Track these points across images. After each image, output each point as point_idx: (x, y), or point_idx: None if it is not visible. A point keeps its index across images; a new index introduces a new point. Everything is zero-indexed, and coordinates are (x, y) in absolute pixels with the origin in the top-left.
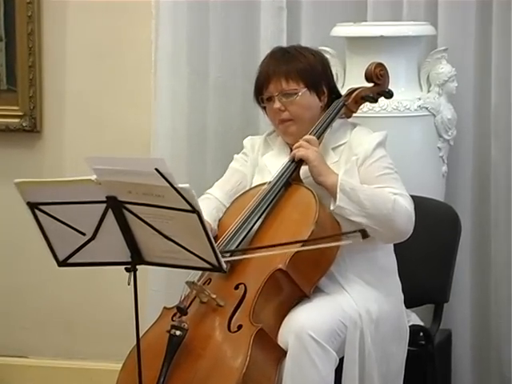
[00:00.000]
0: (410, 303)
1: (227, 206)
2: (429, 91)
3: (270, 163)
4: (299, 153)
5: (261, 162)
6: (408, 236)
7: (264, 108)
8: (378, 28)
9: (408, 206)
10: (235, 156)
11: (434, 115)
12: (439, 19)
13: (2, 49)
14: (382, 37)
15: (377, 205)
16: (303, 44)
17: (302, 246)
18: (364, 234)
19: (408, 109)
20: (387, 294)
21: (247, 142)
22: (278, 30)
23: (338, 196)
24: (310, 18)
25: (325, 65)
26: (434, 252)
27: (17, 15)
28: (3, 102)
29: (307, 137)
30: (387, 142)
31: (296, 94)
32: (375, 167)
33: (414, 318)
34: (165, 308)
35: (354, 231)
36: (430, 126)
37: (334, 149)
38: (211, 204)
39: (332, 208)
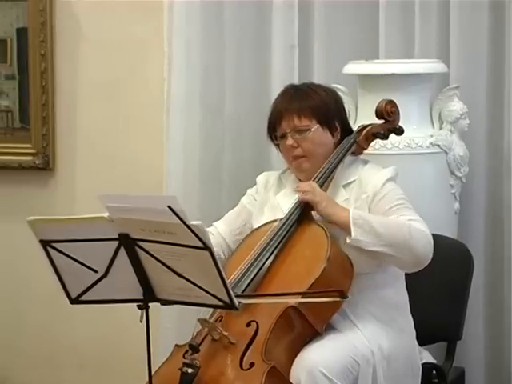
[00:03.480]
0: (422, 340)
1: (230, 244)
2: (441, 128)
3: (283, 202)
4: (306, 197)
5: (273, 200)
6: (429, 260)
7: (277, 145)
8: (390, 66)
9: (424, 228)
10: (248, 191)
11: (446, 152)
12: (451, 57)
13: (16, 87)
14: (393, 74)
15: (392, 231)
16: (315, 81)
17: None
18: (342, 295)
19: (420, 146)
20: (399, 330)
21: (261, 178)
22: (289, 68)
23: (352, 229)
24: (322, 56)
25: (337, 101)
26: (447, 289)
27: (30, 53)
28: (16, 140)
29: (308, 182)
30: (399, 178)
31: (309, 130)
32: (386, 200)
33: (426, 356)
34: (176, 345)
35: (333, 291)
36: (442, 164)
37: (344, 186)
38: (213, 241)
39: (348, 241)
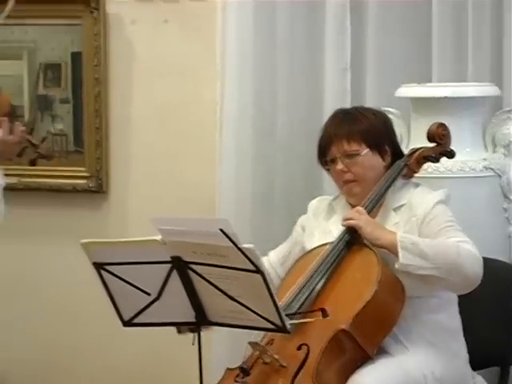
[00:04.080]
0: (475, 365)
1: (278, 271)
2: (494, 152)
3: (334, 228)
4: (350, 222)
5: (325, 226)
6: (479, 280)
7: (328, 170)
8: (443, 89)
9: (473, 249)
10: (298, 221)
11: (500, 176)
12: (504, 80)
13: (70, 111)
14: (446, 98)
15: (441, 254)
16: (367, 105)
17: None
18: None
19: (473, 169)
20: (452, 355)
21: (311, 204)
22: (342, 91)
23: (400, 254)
24: (375, 79)
25: (387, 124)
26: (500, 313)
27: (84, 78)
28: (70, 164)
29: (355, 208)
30: (452, 202)
31: (358, 154)
32: (435, 223)
33: (479, 381)
34: (228, 369)
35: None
36: (496, 187)
37: (395, 209)
38: None
39: (397, 266)
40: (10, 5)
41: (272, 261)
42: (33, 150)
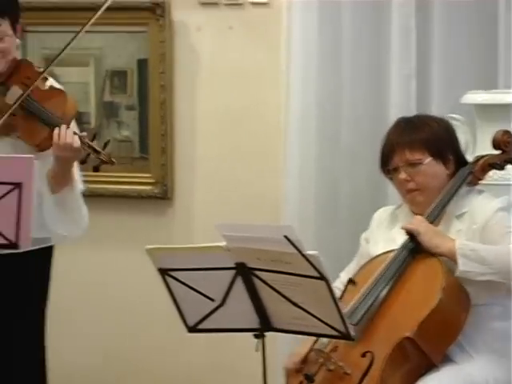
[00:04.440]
0: None
1: None
2: None
3: (399, 236)
4: (409, 226)
5: (389, 235)
6: None
7: (391, 178)
8: (509, 95)
9: None
10: (363, 234)
11: None
12: None
13: (136, 117)
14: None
15: (502, 259)
16: (433, 111)
17: None
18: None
19: None
20: None
21: (375, 217)
22: (406, 98)
23: (459, 261)
24: (440, 86)
25: (450, 132)
26: None
27: (150, 85)
28: (136, 170)
29: (415, 217)
30: None
31: (421, 163)
32: (496, 229)
33: None
34: (290, 374)
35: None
36: None
37: (457, 217)
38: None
39: (457, 273)
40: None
41: (344, 281)
42: (95, 156)
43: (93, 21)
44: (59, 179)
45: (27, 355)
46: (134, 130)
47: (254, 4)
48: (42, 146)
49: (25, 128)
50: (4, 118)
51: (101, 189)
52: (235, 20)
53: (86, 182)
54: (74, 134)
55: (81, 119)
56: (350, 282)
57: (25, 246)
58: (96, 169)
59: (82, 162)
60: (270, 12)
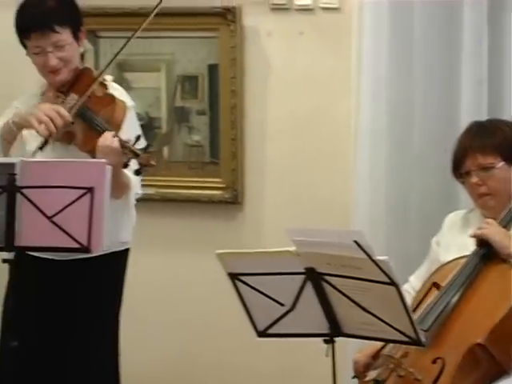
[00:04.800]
0: None
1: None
2: None
3: (471, 241)
4: (478, 232)
5: (461, 240)
6: None
7: (462, 183)
8: None
9: None
10: (434, 238)
11: None
12: None
13: (207, 122)
14: None
15: None
16: (505, 117)
17: None
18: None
19: None
20: None
21: (446, 220)
22: (478, 103)
23: None
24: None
25: None
26: None
27: (221, 90)
28: (206, 175)
29: (486, 220)
30: None
31: (493, 167)
32: None
33: None
34: (359, 369)
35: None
36: None
37: None
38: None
39: None
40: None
41: (414, 285)
42: (136, 159)
43: (144, 26)
44: (112, 182)
45: (102, 359)
46: (205, 135)
47: (324, 9)
48: (94, 153)
49: (80, 135)
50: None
51: (172, 193)
52: (306, 25)
53: (157, 186)
54: (114, 137)
55: (152, 124)
56: (435, 285)
57: (96, 250)
58: (137, 172)
59: (125, 166)
60: (340, 17)
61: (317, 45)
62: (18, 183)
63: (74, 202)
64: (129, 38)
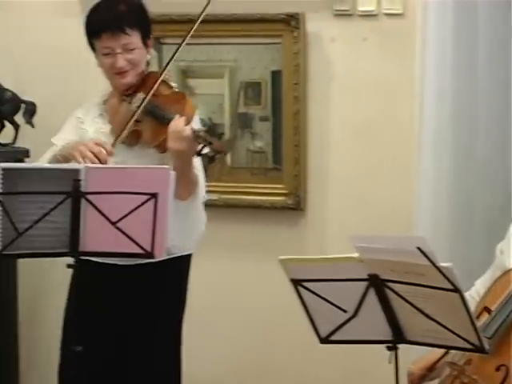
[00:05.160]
0: None
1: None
2: None
3: None
4: None
5: None
6: None
7: None
8: None
9: None
10: (499, 244)
11: None
12: None
13: (269, 128)
14: None
15: None
16: None
17: None
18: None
19: None
20: None
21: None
22: None
23: None
24: None
25: None
26: None
27: (284, 96)
28: (269, 181)
29: None
30: None
31: None
32: None
33: None
34: (413, 379)
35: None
36: None
37: None
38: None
39: None
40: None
41: (479, 290)
42: (209, 147)
43: (191, 33)
44: (180, 179)
45: (165, 364)
46: (268, 141)
47: (388, 15)
48: (162, 147)
49: (148, 131)
50: (131, 122)
51: (235, 199)
52: (369, 31)
53: (220, 192)
54: (186, 125)
55: (215, 130)
56: (485, 309)
57: (159, 256)
58: (211, 159)
59: (198, 154)
60: (404, 23)
61: (380, 51)
62: (83, 189)
63: (137, 207)
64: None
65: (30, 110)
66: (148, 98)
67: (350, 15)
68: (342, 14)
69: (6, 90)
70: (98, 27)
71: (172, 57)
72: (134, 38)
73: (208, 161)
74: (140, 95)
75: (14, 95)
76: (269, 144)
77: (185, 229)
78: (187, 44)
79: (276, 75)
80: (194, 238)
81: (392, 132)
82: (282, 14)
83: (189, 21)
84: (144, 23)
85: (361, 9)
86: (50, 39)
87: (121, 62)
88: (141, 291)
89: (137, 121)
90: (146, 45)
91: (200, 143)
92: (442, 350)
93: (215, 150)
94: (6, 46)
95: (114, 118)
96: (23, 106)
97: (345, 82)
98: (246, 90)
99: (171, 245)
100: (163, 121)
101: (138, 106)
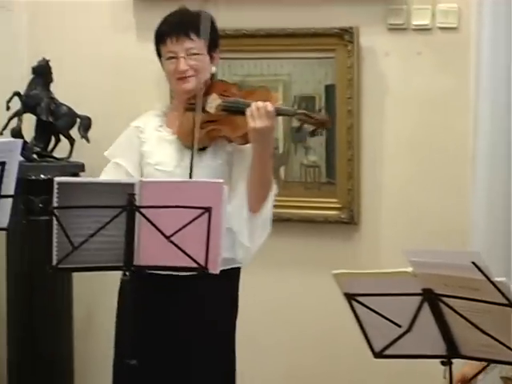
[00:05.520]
0: None
1: None
2: None
3: None
4: None
5: None
6: None
7: None
8: None
9: None
10: None
11: None
12: None
13: (323, 142)
14: None
15: None
16: None
17: None
18: None
19: None
20: None
21: None
22: None
23: None
24: None
25: None
26: None
27: (337, 110)
28: (322, 195)
29: None
30: None
31: None
32: None
33: None
34: None
35: None
36: None
37: None
38: None
39: None
40: None
41: None
42: (311, 121)
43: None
44: (260, 174)
45: (219, 378)
46: (321, 156)
47: (442, 29)
48: (244, 137)
49: (228, 126)
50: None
51: (288, 213)
52: (424, 45)
53: (274, 206)
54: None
55: None
56: None
57: (213, 270)
58: (313, 133)
59: (298, 130)
60: (459, 37)
61: (434, 64)
62: (137, 203)
63: (191, 221)
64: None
65: (86, 125)
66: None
67: (403, 29)
68: (395, 28)
69: (62, 104)
70: (163, 32)
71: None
72: (197, 44)
73: (309, 134)
74: (213, 96)
75: (70, 110)
76: (322, 158)
77: (247, 241)
78: (241, 59)
79: (330, 89)
80: (250, 253)
81: (446, 145)
82: (335, 28)
83: (242, 35)
84: (211, 33)
85: (415, 23)
86: (105, 54)
87: (183, 65)
88: (192, 304)
89: (211, 121)
90: (210, 55)
91: (301, 119)
92: (481, 364)
93: (320, 120)
94: (62, 61)
95: (181, 127)
96: (78, 120)
97: (398, 96)
98: (300, 105)
99: (228, 257)
100: (243, 109)
101: (217, 105)
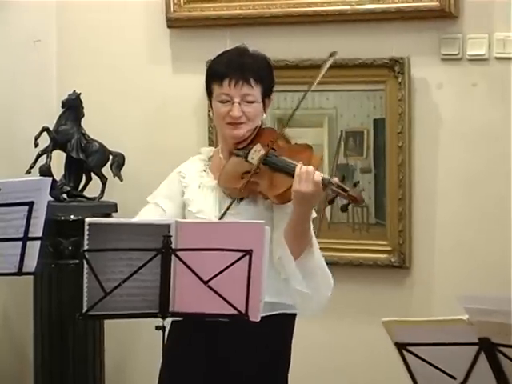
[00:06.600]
0: None
1: None
2: None
3: None
4: None
5: None
6: None
7: None
8: None
9: None
10: None
11: None
12: None
13: (371, 181)
14: None
15: None
16: None
17: None
18: None
19: None
20: None
21: None
22: None
23: None
24: None
25: None
26: None
27: (387, 146)
28: (371, 237)
29: None
30: None
31: None
32: None
33: None
34: None
35: None
36: None
37: None
38: None
39: None
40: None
41: None
42: (344, 195)
43: (318, 79)
44: (297, 231)
45: None
46: (370, 195)
47: (499, 59)
48: (283, 196)
49: (266, 182)
50: (250, 175)
51: (335, 257)
52: (479, 76)
53: (319, 249)
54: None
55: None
56: None
57: (254, 317)
58: (344, 208)
59: (330, 202)
60: None
61: (490, 96)
62: (174, 245)
63: (231, 265)
64: (305, 92)
65: (119, 162)
66: (269, 148)
67: (458, 60)
68: (449, 59)
69: (93, 140)
70: (221, 73)
71: (295, 109)
72: (255, 91)
73: (341, 208)
74: (258, 147)
75: (102, 146)
76: (371, 197)
77: (309, 284)
78: (286, 91)
79: (379, 123)
80: (315, 300)
81: (504, 183)
82: (385, 58)
83: (286, 67)
84: (267, 80)
85: (470, 53)
86: (139, 86)
87: (237, 111)
88: (239, 350)
89: (250, 172)
90: (264, 103)
91: (334, 191)
92: None
93: (352, 196)
94: (93, 94)
95: (224, 174)
96: (111, 157)
97: (452, 130)
98: (347, 140)
99: (277, 301)
100: (286, 170)
101: (260, 158)
